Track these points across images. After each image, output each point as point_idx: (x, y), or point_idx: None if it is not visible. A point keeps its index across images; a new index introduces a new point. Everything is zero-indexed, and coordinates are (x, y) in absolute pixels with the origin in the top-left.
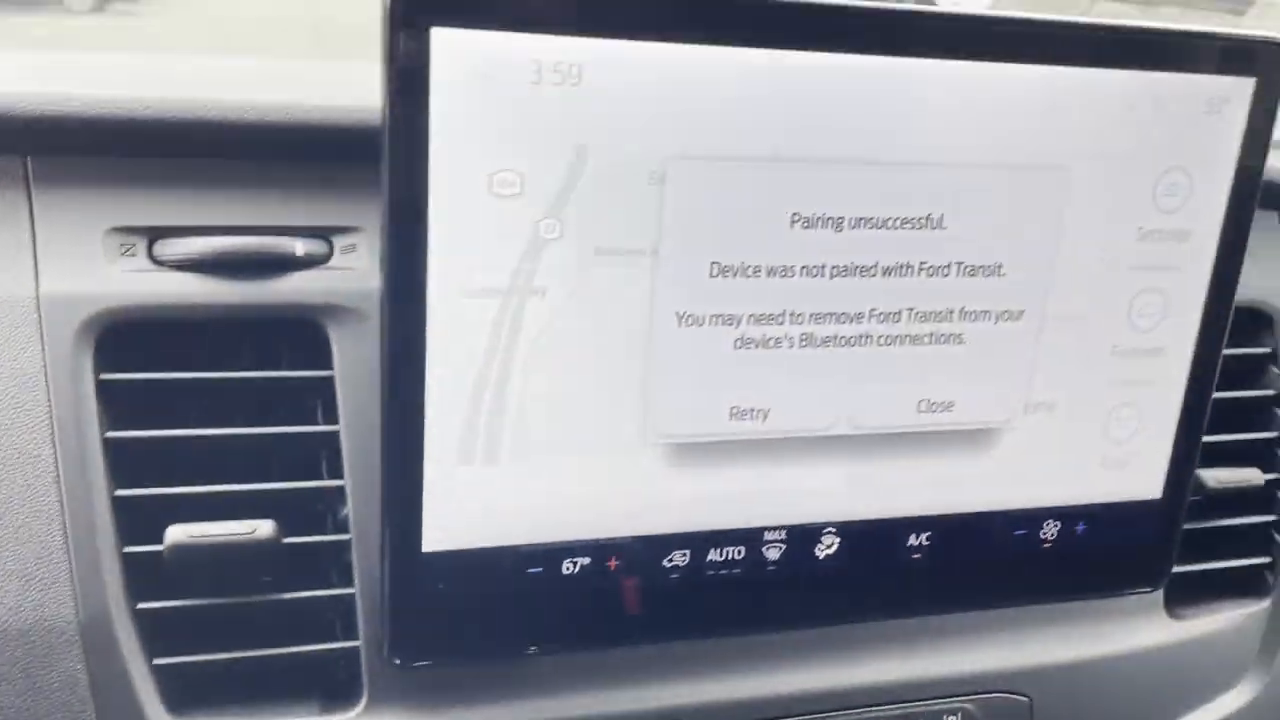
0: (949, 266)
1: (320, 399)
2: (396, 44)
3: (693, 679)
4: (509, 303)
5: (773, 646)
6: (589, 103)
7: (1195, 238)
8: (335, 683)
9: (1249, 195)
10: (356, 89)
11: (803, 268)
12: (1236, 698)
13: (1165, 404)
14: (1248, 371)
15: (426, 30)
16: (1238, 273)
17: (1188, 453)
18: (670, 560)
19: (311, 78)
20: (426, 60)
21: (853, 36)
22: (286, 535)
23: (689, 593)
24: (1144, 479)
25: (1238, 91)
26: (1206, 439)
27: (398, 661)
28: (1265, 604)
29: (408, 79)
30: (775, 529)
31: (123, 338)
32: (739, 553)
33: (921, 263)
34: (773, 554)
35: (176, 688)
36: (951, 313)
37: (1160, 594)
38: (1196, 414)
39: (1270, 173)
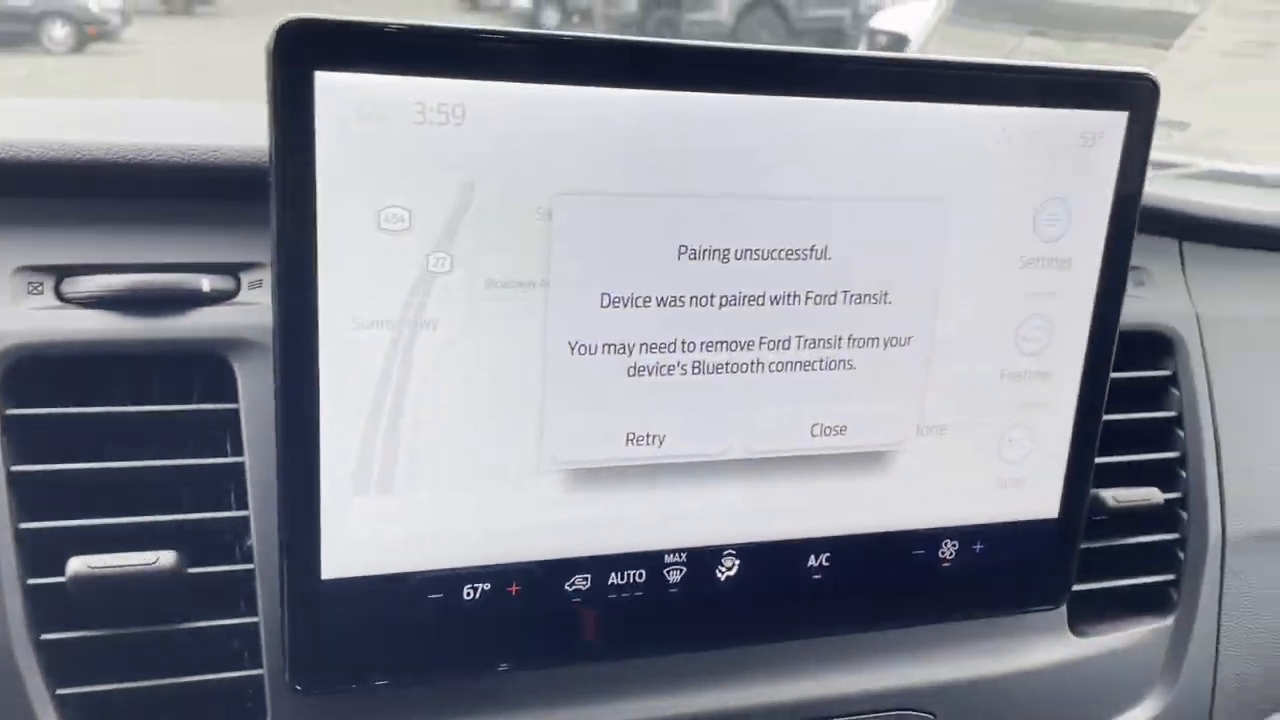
0: (835, 295)
1: (228, 431)
2: (281, 87)
3: (593, 701)
4: (400, 334)
5: (673, 667)
6: (473, 141)
7: (1077, 265)
8: (242, 711)
9: (1127, 224)
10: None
11: (692, 298)
12: (1141, 714)
13: (1057, 425)
14: (1149, 394)
15: (310, 74)
16: (1120, 297)
17: (1082, 472)
18: (571, 584)
19: (238, 120)
20: (310, 103)
21: (734, 77)
22: (191, 566)
23: (591, 616)
24: (1040, 499)
25: (1111, 125)
26: (1110, 459)
27: (299, 688)
28: (1169, 621)
29: (293, 121)
30: (675, 552)
31: (30, 373)
32: (640, 576)
33: (808, 292)
34: (674, 576)
35: (80, 718)
36: (840, 339)
37: (1064, 611)
38: (1088, 434)
39: (1164, 201)
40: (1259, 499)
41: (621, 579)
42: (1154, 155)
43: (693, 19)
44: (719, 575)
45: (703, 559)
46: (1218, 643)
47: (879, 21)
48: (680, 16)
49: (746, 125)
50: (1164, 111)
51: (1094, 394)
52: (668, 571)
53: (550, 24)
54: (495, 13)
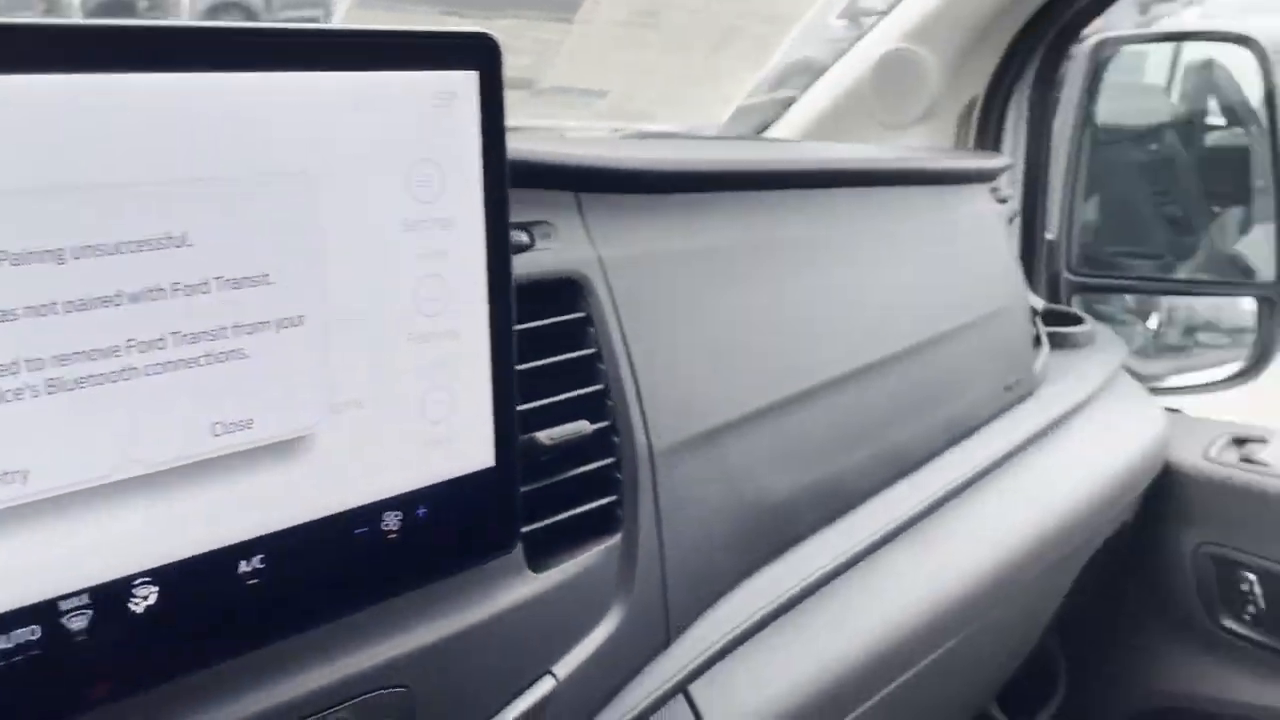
0: (207, 283)
1: None
2: None
3: None
4: None
5: (119, 711)
6: None
7: (459, 223)
8: None
9: (499, 178)
10: None
11: (27, 309)
12: (605, 628)
13: (474, 379)
14: (569, 336)
15: None
16: (507, 249)
17: (508, 419)
18: None
19: None
20: None
21: (48, 55)
22: None
23: None
24: (473, 452)
25: (464, 84)
26: (543, 402)
27: None
28: (617, 538)
29: None
30: (74, 595)
31: None
32: (34, 633)
33: (174, 284)
34: (78, 624)
35: None
36: (224, 329)
37: (520, 553)
38: (506, 382)
39: (558, 156)
40: (675, 412)
41: (10, 642)
42: (588, 123)
43: None
44: (134, 609)
45: (110, 595)
46: (661, 547)
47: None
48: None
49: (70, 107)
50: (582, 82)
51: (503, 343)
52: (69, 619)
53: None
54: None
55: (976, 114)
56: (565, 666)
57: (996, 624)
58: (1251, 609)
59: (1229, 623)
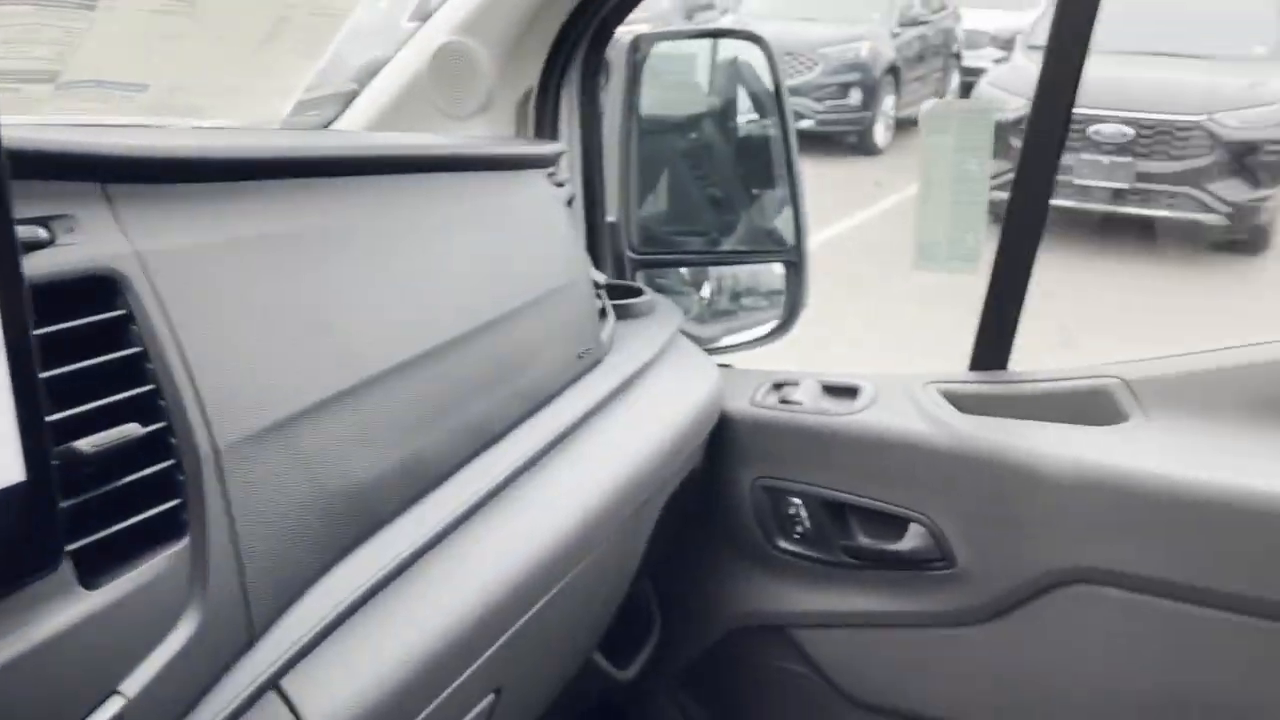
0: None
1: None
2: None
3: None
4: None
5: None
6: None
7: None
8: None
9: None
10: None
11: None
12: (180, 635)
13: None
14: (108, 336)
15: None
16: (13, 245)
17: (35, 429)
18: None
19: None
20: None
21: None
22: None
23: None
24: None
25: None
26: (85, 409)
27: None
28: (184, 543)
29: None
30: None
31: None
32: None
33: None
34: None
35: None
36: None
37: (69, 571)
38: (27, 390)
39: (77, 145)
40: (241, 405)
41: None
42: (129, 119)
43: None
44: None
45: None
46: (236, 545)
47: None
48: None
49: None
50: (116, 74)
51: (19, 347)
52: None
53: None
54: None
55: (532, 104)
56: (136, 682)
57: (587, 577)
58: (800, 529)
59: (784, 544)
